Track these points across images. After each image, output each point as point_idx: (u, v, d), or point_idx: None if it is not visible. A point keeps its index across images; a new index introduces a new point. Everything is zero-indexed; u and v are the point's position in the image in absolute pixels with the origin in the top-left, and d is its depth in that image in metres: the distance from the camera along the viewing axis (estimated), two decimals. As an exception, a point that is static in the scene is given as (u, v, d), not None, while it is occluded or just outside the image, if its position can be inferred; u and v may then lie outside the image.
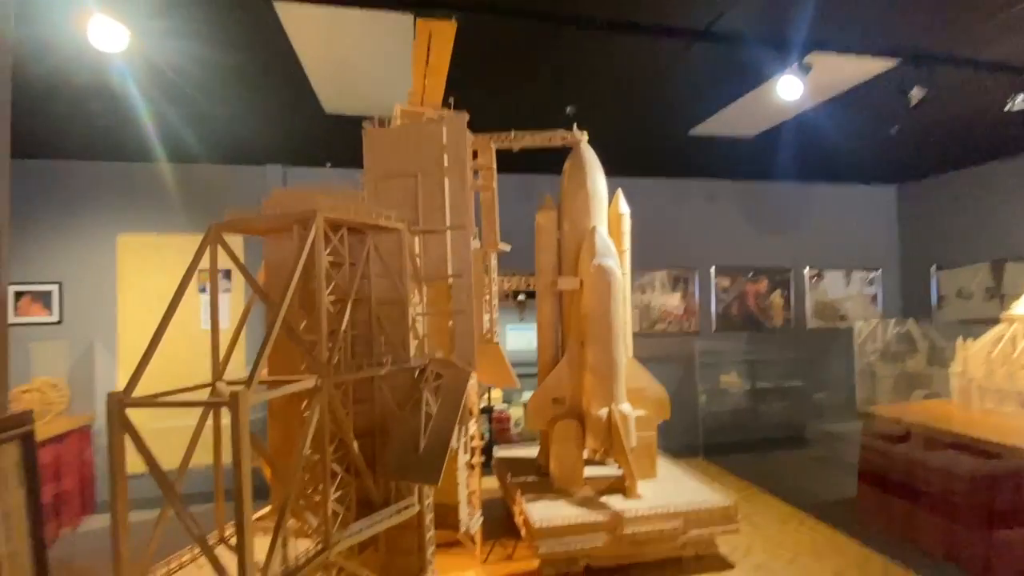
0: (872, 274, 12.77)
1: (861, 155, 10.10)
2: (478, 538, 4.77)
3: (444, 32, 3.78)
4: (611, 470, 5.23)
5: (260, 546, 2.21)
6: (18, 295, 8.21)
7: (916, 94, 6.01)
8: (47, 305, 8.21)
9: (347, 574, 2.78)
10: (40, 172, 8.19)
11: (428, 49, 3.97)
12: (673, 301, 11.74)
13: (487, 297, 3.37)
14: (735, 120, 8.05)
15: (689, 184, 11.60)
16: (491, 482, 5.71)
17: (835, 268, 12.51)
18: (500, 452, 6.31)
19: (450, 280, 2.81)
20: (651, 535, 4.46)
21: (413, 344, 2.89)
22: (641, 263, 11.49)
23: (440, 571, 4.57)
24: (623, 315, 5.19)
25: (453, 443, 3.54)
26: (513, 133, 5.70)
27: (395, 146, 2.95)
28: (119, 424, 2.01)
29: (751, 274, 12.11)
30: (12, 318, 7.96)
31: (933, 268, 11.99)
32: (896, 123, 8.35)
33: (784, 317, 12.29)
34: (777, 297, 12.29)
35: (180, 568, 2.29)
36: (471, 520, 3.57)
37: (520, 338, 10.77)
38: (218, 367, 2.56)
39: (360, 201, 2.76)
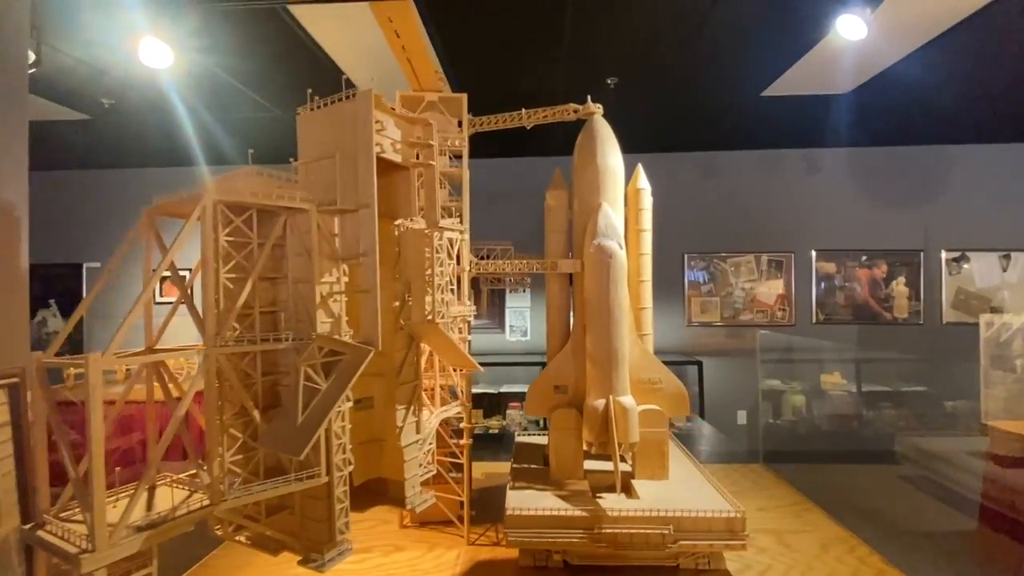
0: (1044, 256, 10.11)
1: (1009, 106, 7.99)
2: (466, 518, 4.78)
3: (403, 13, 3.77)
4: (623, 465, 4.87)
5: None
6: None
7: (1049, 16, 4.60)
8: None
9: (252, 533, 2.99)
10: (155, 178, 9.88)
11: (396, 33, 3.99)
12: (763, 289, 10.45)
13: (429, 278, 3.31)
14: (816, 74, 6.87)
15: (781, 155, 10.17)
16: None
17: (986, 249, 10.10)
18: (521, 438, 6.22)
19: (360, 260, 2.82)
20: (635, 538, 4.07)
21: (329, 322, 2.97)
22: (723, 246, 10.42)
23: (426, 546, 4.69)
24: (626, 300, 4.75)
25: (399, 422, 3.59)
26: (523, 111, 5.53)
27: (321, 128, 3.02)
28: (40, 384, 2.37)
29: (865, 257, 10.29)
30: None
31: None
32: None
33: (910, 309, 10.27)
34: (900, 285, 10.30)
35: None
36: (420, 499, 3.59)
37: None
38: (151, 336, 2.90)
39: (272, 184, 2.89)
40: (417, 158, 3.48)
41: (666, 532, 4.03)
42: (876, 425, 8.97)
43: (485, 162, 9.54)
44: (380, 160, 3.26)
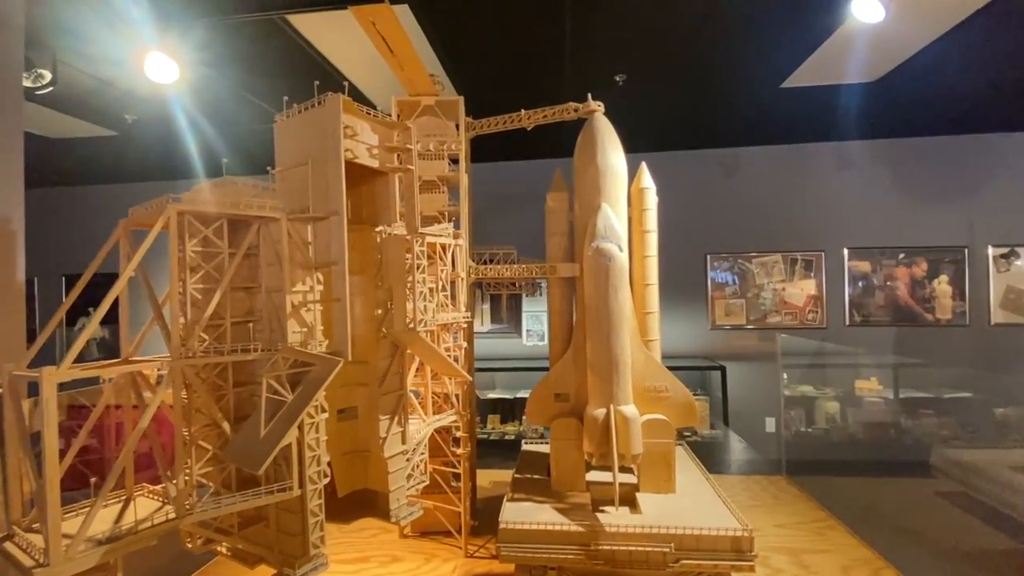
0: (1106, 251, 9.26)
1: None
2: (464, 530, 4.67)
3: (384, 17, 3.71)
4: (628, 477, 4.66)
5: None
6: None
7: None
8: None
9: (231, 545, 2.95)
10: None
11: (382, 37, 3.94)
12: (792, 290, 9.95)
13: (410, 285, 3.22)
14: (839, 63, 6.48)
15: (808, 150, 9.67)
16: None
17: (1040, 244, 9.33)
18: (528, 446, 6.06)
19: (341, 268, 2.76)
20: (634, 556, 3.86)
21: (302, 332, 2.91)
22: (748, 246, 9.98)
23: (423, 557, 4.60)
24: (628, 304, 4.54)
25: (383, 432, 3.50)
26: (523, 112, 5.41)
27: (296, 135, 2.98)
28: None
29: (903, 255, 9.66)
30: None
31: None
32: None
33: (954, 309, 9.57)
34: (943, 284, 9.61)
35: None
36: (407, 512, 3.49)
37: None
38: (126, 347, 2.91)
39: (246, 193, 2.86)
40: (399, 162, 3.41)
41: (667, 550, 3.81)
42: (915, 434, 8.39)
43: (491, 165, 9.46)
44: (357, 166, 3.21)
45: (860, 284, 9.78)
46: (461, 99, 5.12)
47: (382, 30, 3.72)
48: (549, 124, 5.31)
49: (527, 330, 10.68)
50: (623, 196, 4.99)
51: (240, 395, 2.78)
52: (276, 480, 2.76)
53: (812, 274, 9.90)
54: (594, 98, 5.09)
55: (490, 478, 6.28)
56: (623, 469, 4.57)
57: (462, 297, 4.64)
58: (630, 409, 4.41)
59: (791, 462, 6.86)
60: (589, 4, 5.31)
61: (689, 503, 4.35)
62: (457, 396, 4.50)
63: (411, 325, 3.27)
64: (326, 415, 2.91)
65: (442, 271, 4.28)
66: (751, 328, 9.88)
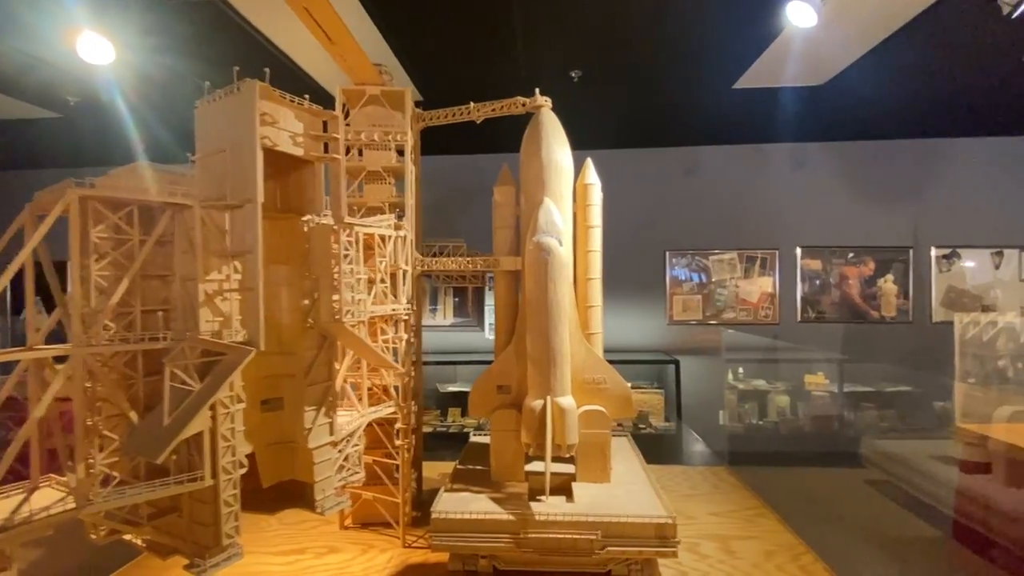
0: (1038, 253, 9.75)
1: (1002, 96, 7.69)
2: (402, 521, 4.69)
3: (317, 4, 3.66)
4: (566, 467, 4.75)
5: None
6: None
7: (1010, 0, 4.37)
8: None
9: (136, 536, 2.92)
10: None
11: (318, 25, 3.89)
12: (747, 287, 10.21)
13: (337, 275, 3.21)
14: (787, 66, 6.65)
15: (763, 150, 9.91)
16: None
17: (978, 247, 9.77)
18: (476, 437, 6.11)
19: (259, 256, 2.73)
20: (563, 544, 3.95)
21: (217, 321, 2.89)
22: (706, 243, 10.20)
23: (361, 548, 4.61)
24: (567, 298, 4.60)
25: (308, 423, 3.49)
26: (472, 105, 5.42)
27: (216, 121, 2.93)
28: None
29: (852, 255, 10.01)
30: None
31: None
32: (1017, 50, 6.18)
33: (898, 307, 9.97)
34: (888, 282, 10.00)
35: None
36: (333, 503, 3.50)
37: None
38: (32, 334, 2.84)
39: (162, 180, 2.81)
40: (326, 151, 3.38)
41: (594, 538, 3.90)
42: (857, 427, 8.74)
43: (447, 158, 9.43)
44: (281, 154, 3.17)
45: (812, 282, 10.10)
46: (407, 90, 5.08)
47: (317, 17, 3.67)
48: (506, 118, 5.33)
49: (489, 323, 10.70)
50: (567, 191, 5.04)
51: (152, 385, 2.73)
52: (189, 470, 2.74)
53: (766, 271, 10.18)
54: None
55: (445, 470, 6.29)
56: (561, 459, 4.66)
57: (407, 289, 4.64)
58: (567, 400, 4.48)
59: (737, 453, 7.07)
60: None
61: (622, 492, 4.46)
62: (397, 388, 4.51)
63: (337, 316, 3.26)
64: (243, 405, 2.88)
65: (381, 262, 4.28)
66: (707, 323, 10.12)
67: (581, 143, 9.56)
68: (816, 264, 10.08)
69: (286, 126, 3.10)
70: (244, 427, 2.94)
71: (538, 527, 3.91)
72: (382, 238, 4.24)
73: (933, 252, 9.88)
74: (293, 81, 6.57)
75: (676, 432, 8.85)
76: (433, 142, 9.30)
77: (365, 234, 4.09)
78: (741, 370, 9.94)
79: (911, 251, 9.90)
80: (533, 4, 5.38)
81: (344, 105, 4.91)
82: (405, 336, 4.59)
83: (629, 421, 9.39)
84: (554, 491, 4.53)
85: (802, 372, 9.61)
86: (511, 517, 3.97)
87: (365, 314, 3.60)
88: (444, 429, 9.46)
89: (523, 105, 5.19)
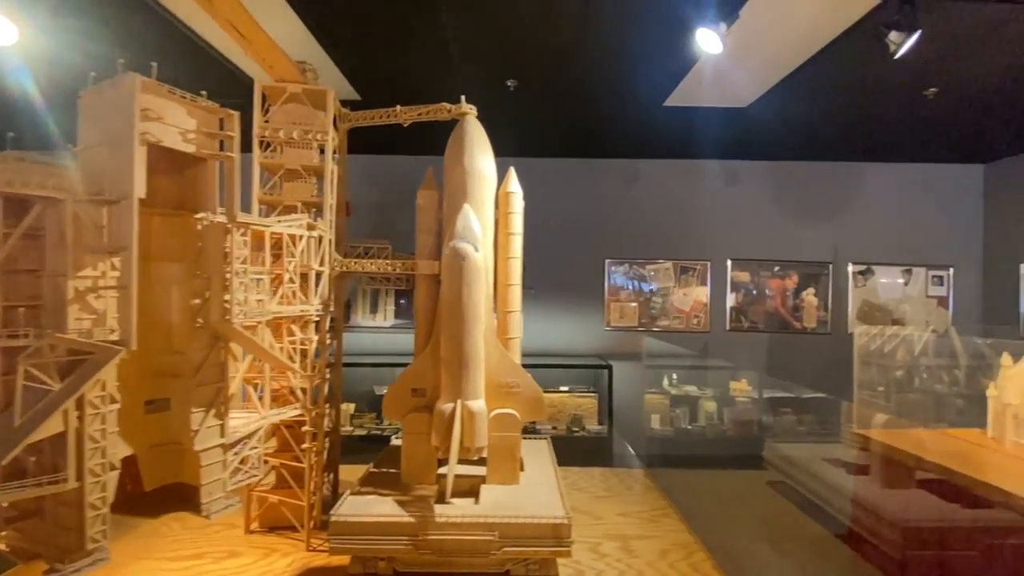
0: (941, 272, 10.59)
1: (906, 126, 8.32)
2: (307, 524, 4.64)
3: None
4: (478, 469, 4.82)
5: None
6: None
7: (896, 39, 4.76)
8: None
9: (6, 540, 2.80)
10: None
11: (227, 20, 3.83)
12: (681, 296, 10.62)
13: (229, 275, 3.18)
14: (711, 88, 6.99)
15: (699, 166, 10.36)
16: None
17: (890, 264, 10.53)
18: (397, 441, 6.10)
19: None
20: (462, 545, 4.02)
21: (90, 319, 2.81)
22: (644, 253, 10.55)
23: (262, 552, 4.53)
24: (482, 303, 4.69)
25: (195, 425, 3.43)
26: (398, 107, 5.44)
27: (97, 114, 2.86)
28: None
29: (777, 268, 10.59)
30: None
31: (1022, 267, 9.66)
32: (931, 84, 6.75)
33: (819, 319, 10.61)
34: (810, 295, 10.63)
35: None
36: (222, 505, 3.45)
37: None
38: None
39: (34, 172, 2.71)
40: (221, 149, 3.34)
41: (491, 538, 3.99)
42: (774, 431, 9.23)
43: (380, 159, 9.41)
44: (175, 151, 3.11)
45: (741, 293, 10.60)
46: (330, 89, 5.06)
47: (224, 12, 3.62)
48: (439, 122, 5.38)
49: (430, 326, 10.71)
50: (489, 198, 5.14)
51: (11, 384, 2.62)
52: (54, 472, 2.64)
53: (699, 281, 10.62)
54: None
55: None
56: (472, 462, 4.74)
57: (321, 290, 4.61)
58: (477, 404, 4.55)
59: (655, 456, 7.34)
60: (466, 8, 5.41)
61: (528, 494, 4.56)
62: (304, 390, 4.46)
63: (227, 317, 3.22)
64: (117, 406, 2.81)
65: (290, 262, 4.24)
66: (641, 330, 10.46)
67: (519, 150, 9.76)
68: (745, 276, 10.59)
69: (175, 122, 3.04)
70: (123, 428, 2.86)
71: (437, 529, 3.96)
72: (292, 238, 4.20)
73: (850, 268, 10.57)
74: (221, 72, 6.40)
75: (608, 436, 9.08)
76: (377, 142, 9.25)
77: (273, 233, 4.05)
78: (675, 376, 10.33)
79: (831, 266, 10.56)
80: (463, 14, 5.45)
81: (263, 101, 4.84)
82: (316, 337, 4.55)
83: (564, 424, 9.59)
84: (465, 494, 4.60)
85: (728, 379, 10.09)
86: (411, 519, 4.00)
87: (264, 315, 3.56)
88: (379, 432, 9.37)
89: (448, 111, 5.26)
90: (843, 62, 6.03)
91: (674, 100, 7.41)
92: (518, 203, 5.30)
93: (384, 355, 10.04)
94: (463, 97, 5.31)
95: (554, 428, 9.37)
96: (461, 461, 4.64)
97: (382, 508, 4.17)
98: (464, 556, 3.98)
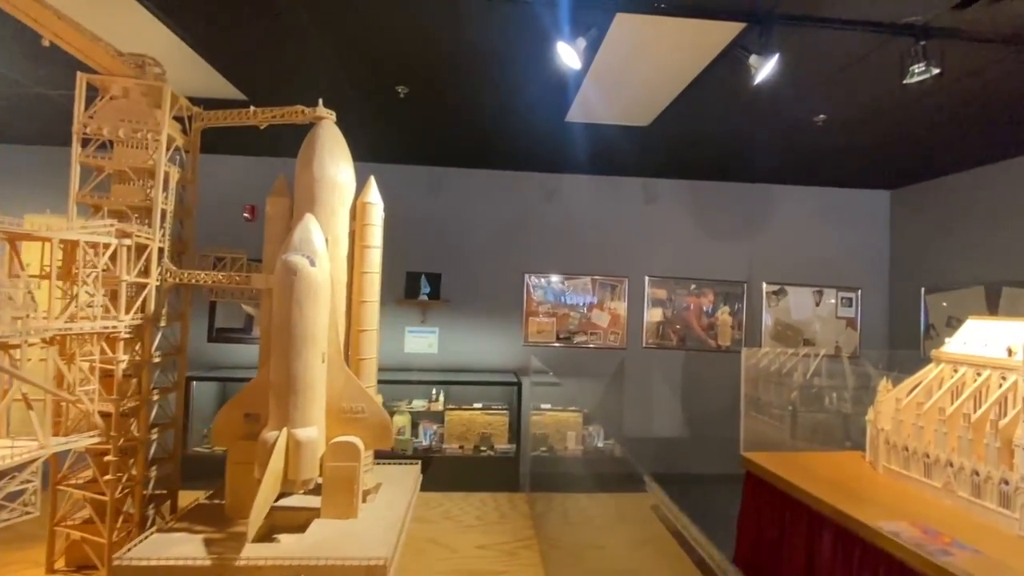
0: (850, 294, 10.86)
1: (806, 151, 8.48)
2: (108, 564, 4.18)
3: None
4: (311, 501, 4.46)
5: None
6: None
7: (755, 63, 4.73)
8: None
9: None
10: None
11: (23, 11, 3.43)
12: (598, 312, 10.53)
13: None
14: (607, 106, 6.91)
15: (615, 182, 10.35)
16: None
17: (802, 284, 10.74)
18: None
19: None
20: (262, 590, 3.68)
21: None
22: (562, 268, 10.44)
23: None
24: (317, 322, 4.36)
25: None
26: (252, 108, 5.10)
27: None
28: None
29: (694, 286, 10.65)
30: None
31: (923, 291, 9.99)
32: (820, 110, 6.86)
33: (733, 337, 10.70)
34: (725, 314, 10.72)
35: None
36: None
37: (419, 342, 10.11)
38: None
39: None
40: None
41: (294, 583, 3.65)
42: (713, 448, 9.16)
43: (250, 160, 9.03)
44: None
45: (658, 310, 10.59)
46: (166, 86, 4.67)
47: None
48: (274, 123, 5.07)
49: (340, 338, 10.26)
50: (342, 208, 4.83)
51: None
52: None
53: (616, 298, 10.56)
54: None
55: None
56: (301, 494, 4.37)
57: (147, 303, 4.18)
58: (306, 432, 4.20)
59: (541, 476, 7.09)
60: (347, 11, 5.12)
61: (361, 529, 4.23)
62: (109, 416, 4.01)
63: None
64: None
65: (89, 274, 3.81)
66: (557, 346, 10.30)
67: (411, 158, 9.44)
68: (662, 293, 10.59)
69: None
70: None
71: (233, 574, 3.58)
72: (93, 246, 3.78)
73: (764, 287, 10.73)
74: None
75: (515, 455, 8.81)
76: (231, 142, 8.80)
77: (63, 241, 3.63)
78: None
79: (745, 285, 10.68)
80: (333, 21, 5.14)
81: (85, 94, 4.42)
82: (126, 357, 4.12)
83: (471, 443, 9.28)
84: (298, 529, 4.23)
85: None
86: (206, 563, 3.60)
87: (23, 334, 3.13)
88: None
89: (303, 113, 4.95)
90: (718, 88, 6.03)
91: (574, 117, 7.30)
92: (376, 214, 5.02)
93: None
94: (320, 100, 5.01)
95: (461, 448, 9.05)
96: (287, 494, 4.28)
97: (182, 549, 3.75)
98: (265, 603, 3.60)
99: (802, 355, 8.08)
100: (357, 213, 4.96)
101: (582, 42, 4.40)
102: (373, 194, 5.01)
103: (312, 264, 4.28)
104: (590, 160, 9.33)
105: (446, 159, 9.57)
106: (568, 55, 4.45)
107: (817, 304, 10.91)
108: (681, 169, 9.83)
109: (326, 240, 4.55)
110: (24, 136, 8.60)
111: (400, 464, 5.71)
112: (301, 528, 4.24)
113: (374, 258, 4.97)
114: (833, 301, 10.81)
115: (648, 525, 5.56)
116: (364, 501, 4.71)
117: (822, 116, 6.99)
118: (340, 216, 4.78)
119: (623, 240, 10.41)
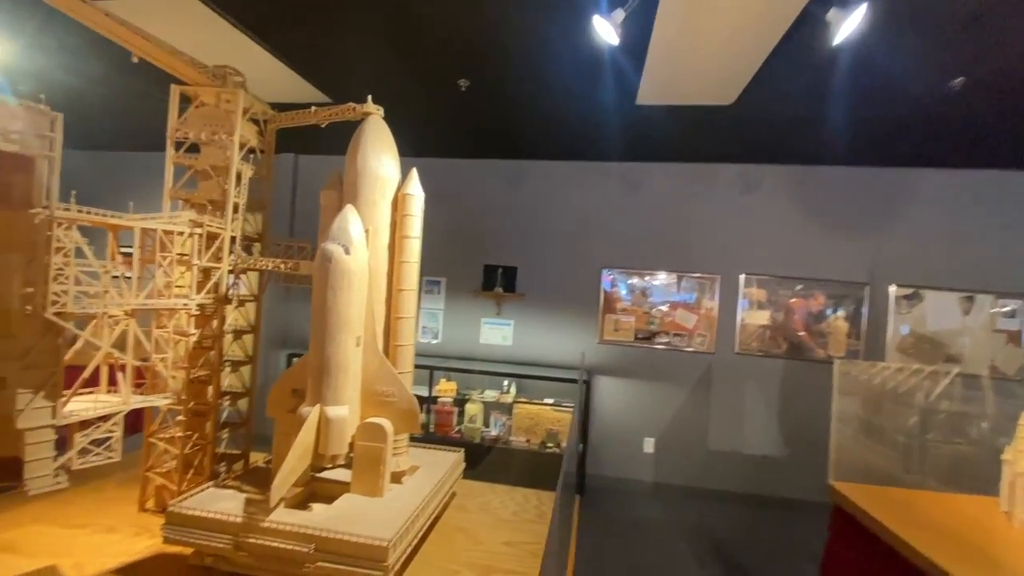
0: (1013, 302, 8.75)
1: (954, 126, 6.97)
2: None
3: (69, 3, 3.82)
4: (344, 475, 4.73)
5: None
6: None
7: (834, 18, 3.99)
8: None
9: None
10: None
11: (110, 31, 4.07)
12: (683, 311, 9.71)
13: (49, 267, 3.36)
14: (675, 83, 6.31)
15: (708, 170, 9.43)
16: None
17: (945, 288, 8.86)
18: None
19: None
20: (277, 552, 3.91)
21: None
22: (645, 263, 9.77)
23: (135, 530, 4.75)
24: (352, 307, 4.55)
25: (21, 405, 3.65)
26: (313, 108, 5.49)
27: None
28: None
29: (800, 286, 9.32)
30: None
31: (1124, 300, 7.68)
32: (959, 72, 5.57)
33: (848, 347, 9.19)
34: (839, 320, 9.24)
35: None
36: (49, 483, 3.64)
37: (495, 333, 10.28)
38: None
39: None
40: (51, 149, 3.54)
41: (307, 550, 3.86)
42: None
43: (338, 160, 9.53)
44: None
45: (764, 312, 9.50)
46: (240, 92, 5.21)
47: (80, 16, 3.82)
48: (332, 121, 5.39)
49: (423, 326, 10.74)
50: (383, 200, 5.02)
51: None
52: None
53: (705, 297, 9.65)
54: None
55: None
56: (333, 468, 4.65)
57: (215, 284, 4.78)
58: (336, 410, 4.44)
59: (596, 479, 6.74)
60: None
61: (380, 508, 4.37)
62: (174, 378, 4.62)
63: (53, 307, 3.40)
64: (-85, 382, 3.07)
65: (165, 258, 4.41)
66: (636, 345, 9.72)
67: (486, 152, 9.49)
68: (760, 294, 9.47)
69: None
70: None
71: (257, 533, 3.91)
72: (168, 234, 4.37)
73: (892, 290, 9.06)
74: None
75: (573, 454, 8.55)
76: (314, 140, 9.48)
77: (146, 229, 4.23)
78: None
79: (867, 288, 9.12)
80: (424, 14, 5.37)
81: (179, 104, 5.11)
82: (196, 331, 4.71)
83: (538, 439, 9.17)
84: (330, 500, 4.52)
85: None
86: (237, 520, 3.99)
87: (106, 306, 3.73)
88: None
89: (355, 110, 5.22)
90: (812, 52, 5.16)
91: (644, 98, 6.79)
92: (416, 206, 5.11)
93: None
94: (369, 97, 5.24)
95: (528, 441, 9.00)
96: (325, 469, 4.58)
97: (224, 505, 4.20)
98: (279, 564, 3.89)
99: (928, 372, 6.71)
100: (398, 204, 5.11)
101: (620, 15, 4.05)
102: (414, 186, 5.12)
103: (347, 252, 4.49)
104: (672, 146, 8.64)
105: (520, 152, 9.52)
106: (605, 30, 4.12)
107: (966, 313, 8.95)
108: (784, 154, 8.68)
109: (366, 231, 4.76)
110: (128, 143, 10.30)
111: (446, 450, 5.82)
112: (333, 500, 4.51)
113: (413, 248, 5.08)
114: (989, 310, 8.79)
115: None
116: (399, 483, 4.88)
117: (960, 79, 5.68)
118: (381, 208, 4.95)
119: (715, 234, 9.49)
